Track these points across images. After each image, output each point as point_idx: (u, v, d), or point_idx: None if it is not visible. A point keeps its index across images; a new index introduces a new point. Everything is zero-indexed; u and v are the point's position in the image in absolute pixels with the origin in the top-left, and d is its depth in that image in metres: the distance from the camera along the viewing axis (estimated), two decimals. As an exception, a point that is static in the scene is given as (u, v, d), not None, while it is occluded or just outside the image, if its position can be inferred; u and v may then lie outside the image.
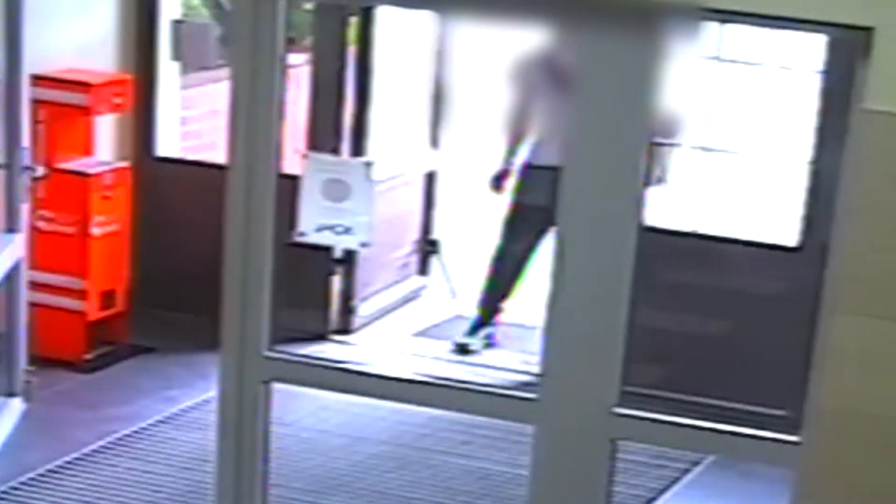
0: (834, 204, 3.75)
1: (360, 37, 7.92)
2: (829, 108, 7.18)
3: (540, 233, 7.89)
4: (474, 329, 8.19)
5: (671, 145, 8.12)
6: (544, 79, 7.83)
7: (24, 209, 6.86)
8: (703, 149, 8.40)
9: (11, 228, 6.76)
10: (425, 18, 8.35)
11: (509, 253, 8.13)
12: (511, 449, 6.63)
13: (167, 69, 8.31)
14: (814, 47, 7.39)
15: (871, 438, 3.70)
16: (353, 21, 7.89)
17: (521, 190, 8.01)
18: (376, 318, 8.45)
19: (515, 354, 8.04)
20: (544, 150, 7.85)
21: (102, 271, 7.52)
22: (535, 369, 4.16)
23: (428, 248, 8.88)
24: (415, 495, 6.47)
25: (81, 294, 7.47)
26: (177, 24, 8.29)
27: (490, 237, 8.25)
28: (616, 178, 3.87)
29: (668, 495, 6.67)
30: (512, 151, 8.02)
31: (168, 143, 8.41)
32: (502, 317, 8.32)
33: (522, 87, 7.98)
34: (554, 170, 8.00)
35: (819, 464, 3.75)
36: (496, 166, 8.10)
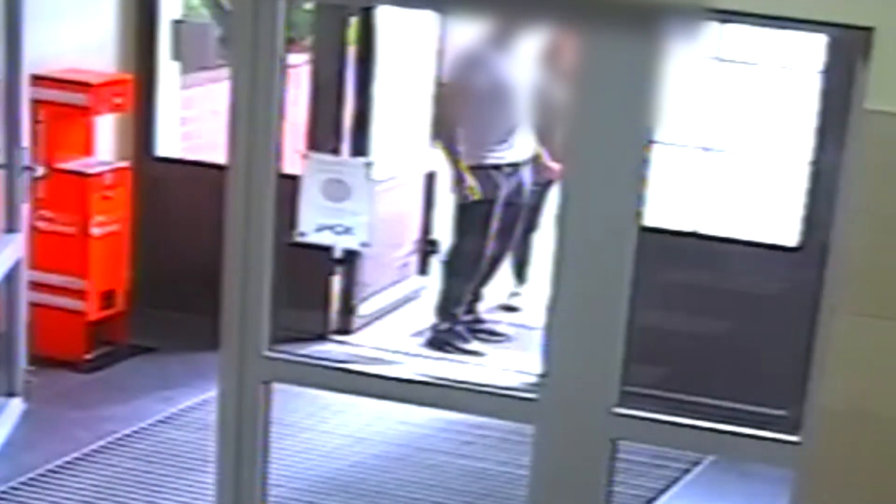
0: (834, 204, 3.75)
1: (360, 37, 7.92)
2: (829, 108, 7.18)
3: (486, 228, 7.97)
4: (442, 339, 8.21)
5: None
6: (479, 78, 7.87)
7: (24, 209, 6.86)
8: (703, 149, 8.41)
9: (11, 228, 6.76)
10: (425, 18, 8.35)
11: (461, 253, 8.17)
12: (511, 449, 6.63)
13: (167, 69, 8.31)
14: (814, 47, 7.39)
15: (871, 438, 3.71)
16: (353, 21, 7.89)
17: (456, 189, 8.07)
18: (376, 318, 8.45)
19: (518, 354, 8.05)
20: (490, 149, 7.93)
21: (102, 271, 7.52)
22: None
23: (428, 248, 8.89)
24: (415, 495, 6.47)
25: (81, 294, 7.47)
26: (177, 24, 8.29)
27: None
28: (616, 178, 3.87)
29: (668, 495, 6.67)
30: (451, 152, 8.01)
31: (168, 143, 8.41)
32: (476, 313, 8.36)
33: (456, 82, 8.01)
34: (497, 168, 8.14)
35: (819, 464, 3.75)
36: (450, 173, 8.07)
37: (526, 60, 8.00)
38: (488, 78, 7.88)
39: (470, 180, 7.91)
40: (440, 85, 8.34)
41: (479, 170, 7.94)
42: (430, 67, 8.59)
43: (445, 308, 8.22)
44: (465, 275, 8.21)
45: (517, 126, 7.99)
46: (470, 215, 8.06)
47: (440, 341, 8.16)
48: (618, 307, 3.94)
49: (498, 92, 7.90)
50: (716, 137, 8.52)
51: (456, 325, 8.19)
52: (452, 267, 8.24)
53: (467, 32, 8.10)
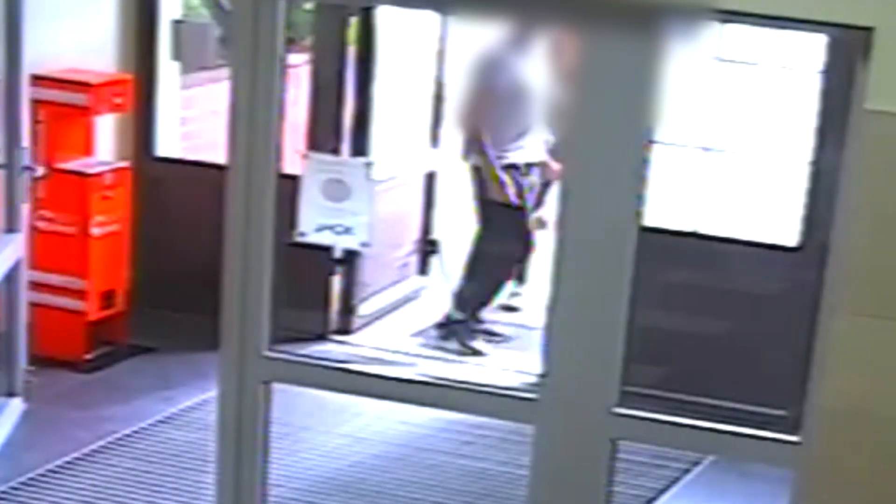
0: (834, 204, 3.75)
1: (360, 37, 7.93)
2: (829, 108, 7.18)
3: (511, 232, 7.97)
4: (454, 330, 8.22)
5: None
6: (499, 80, 7.87)
7: (24, 209, 6.86)
8: (703, 149, 8.41)
9: (11, 228, 6.76)
10: (426, 18, 8.35)
11: (483, 254, 8.17)
12: (511, 449, 6.63)
13: (167, 69, 8.31)
14: (814, 47, 7.39)
15: (871, 438, 3.71)
16: (353, 21, 7.89)
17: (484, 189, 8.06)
18: (376, 318, 8.45)
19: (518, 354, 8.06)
20: (507, 149, 7.94)
21: (102, 271, 7.52)
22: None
23: (428, 248, 8.89)
24: (415, 495, 6.47)
25: (81, 294, 7.47)
26: (177, 24, 8.30)
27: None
28: (616, 178, 3.87)
29: (668, 495, 6.67)
30: (489, 155, 8.01)
31: (168, 143, 8.41)
32: (485, 315, 8.36)
33: (479, 84, 8.01)
34: (516, 168, 8.12)
35: (819, 464, 3.75)
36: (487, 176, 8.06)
37: (541, 62, 7.99)
38: (507, 79, 7.88)
39: (510, 182, 7.94)
40: (458, 88, 8.32)
41: (510, 169, 7.96)
42: (430, 67, 8.59)
43: (467, 303, 8.22)
44: (489, 275, 8.22)
45: (532, 127, 7.99)
46: (499, 217, 8.06)
47: (452, 332, 8.17)
48: (618, 307, 3.94)
49: (516, 93, 7.91)
50: (716, 137, 8.52)
51: (469, 322, 8.21)
52: (478, 266, 8.23)
53: (485, 34, 8.09)
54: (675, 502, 6.65)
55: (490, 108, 7.89)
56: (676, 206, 8.18)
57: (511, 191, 7.95)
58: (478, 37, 8.20)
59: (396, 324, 8.51)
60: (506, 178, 7.93)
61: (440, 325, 8.26)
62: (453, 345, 8.15)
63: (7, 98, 6.61)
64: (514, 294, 8.77)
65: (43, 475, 6.35)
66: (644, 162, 3.87)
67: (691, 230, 7.76)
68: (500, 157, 7.94)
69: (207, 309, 4.67)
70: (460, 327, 8.19)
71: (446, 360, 8.03)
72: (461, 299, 8.27)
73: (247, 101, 4.06)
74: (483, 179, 8.00)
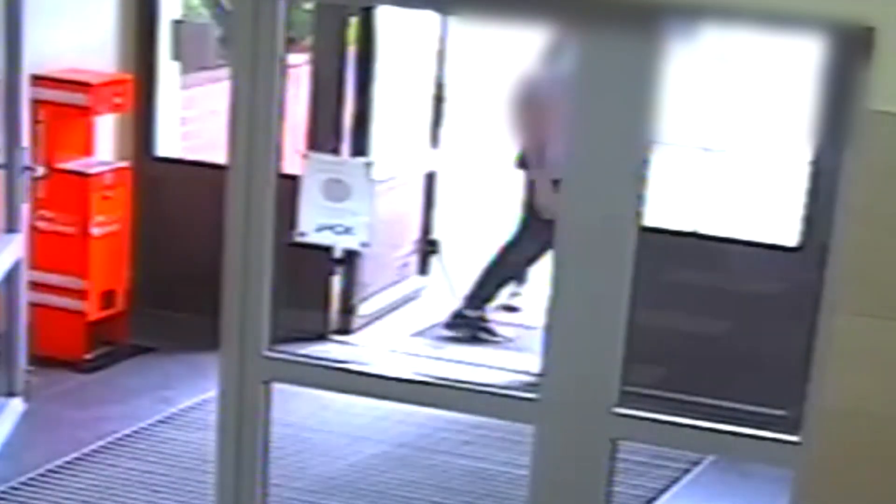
0: (834, 204, 3.75)
1: (360, 37, 7.93)
2: (829, 108, 7.17)
3: (546, 244, 7.99)
4: (459, 321, 8.26)
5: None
6: (544, 96, 7.87)
7: (24, 209, 6.86)
8: (703, 149, 8.41)
9: (11, 228, 6.76)
10: (426, 18, 8.35)
11: (510, 256, 8.17)
12: (511, 449, 6.63)
13: (167, 69, 8.31)
14: (814, 47, 7.38)
15: (871, 438, 3.70)
16: (353, 21, 7.89)
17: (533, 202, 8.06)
18: (376, 318, 8.45)
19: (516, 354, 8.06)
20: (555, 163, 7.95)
21: (102, 271, 7.52)
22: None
23: (428, 248, 8.89)
24: (415, 495, 6.47)
25: (81, 294, 7.47)
26: (177, 24, 8.29)
27: (489, 237, 8.29)
28: (616, 178, 3.87)
29: (668, 495, 6.67)
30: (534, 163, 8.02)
31: (168, 143, 8.41)
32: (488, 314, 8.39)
33: (525, 104, 8.00)
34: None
35: (819, 464, 3.75)
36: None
37: None
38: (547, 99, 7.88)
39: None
40: (528, 104, 8.26)
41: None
42: (430, 67, 8.59)
43: (478, 299, 8.24)
44: (507, 278, 8.25)
45: None
46: (539, 231, 8.08)
47: (462, 325, 8.21)
48: (618, 307, 3.94)
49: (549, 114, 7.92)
50: (716, 137, 8.52)
51: (480, 320, 8.24)
52: (497, 271, 8.25)
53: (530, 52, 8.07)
54: (675, 502, 6.65)
55: (557, 123, 7.89)
56: (676, 206, 8.18)
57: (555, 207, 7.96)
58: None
59: (396, 324, 8.51)
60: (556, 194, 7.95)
61: (451, 320, 8.29)
62: (464, 332, 8.18)
63: (7, 98, 6.62)
64: (514, 294, 8.77)
65: (43, 475, 6.35)
66: (644, 162, 3.87)
67: (691, 230, 7.76)
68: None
69: (207, 309, 4.67)
70: (474, 322, 8.23)
71: (447, 360, 8.03)
72: (474, 299, 8.27)
73: (247, 101, 4.06)
74: (535, 192, 8.00)
